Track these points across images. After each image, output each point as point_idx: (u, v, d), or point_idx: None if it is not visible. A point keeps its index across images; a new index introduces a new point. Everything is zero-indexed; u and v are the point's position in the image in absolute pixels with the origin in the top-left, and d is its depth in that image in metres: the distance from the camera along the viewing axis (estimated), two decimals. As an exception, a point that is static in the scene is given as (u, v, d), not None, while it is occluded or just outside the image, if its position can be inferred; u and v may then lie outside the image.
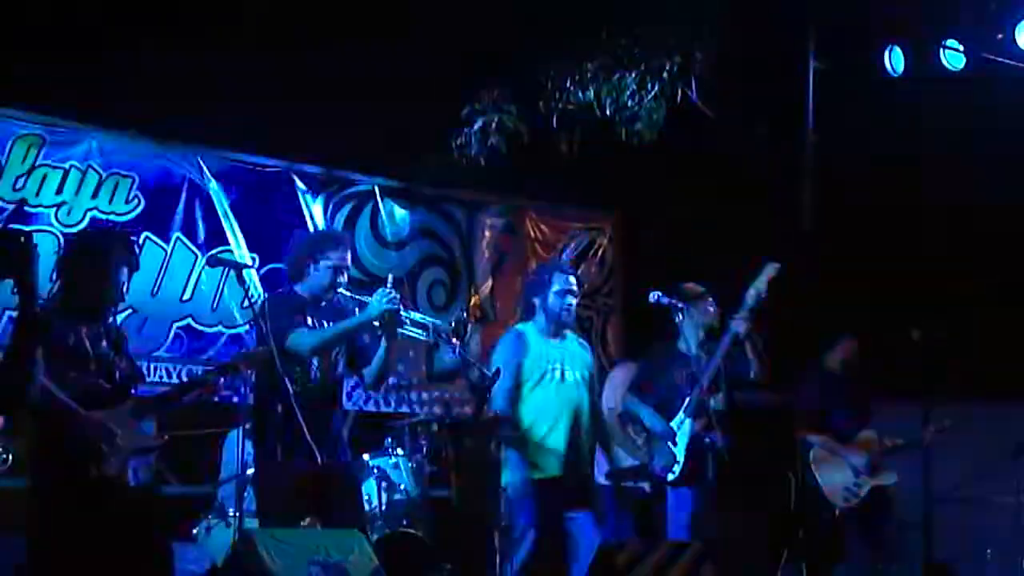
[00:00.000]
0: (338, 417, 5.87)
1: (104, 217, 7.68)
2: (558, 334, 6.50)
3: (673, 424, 6.61)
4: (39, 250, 3.48)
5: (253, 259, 8.20)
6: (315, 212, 8.63)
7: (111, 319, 5.39)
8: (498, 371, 6.09)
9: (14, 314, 3.67)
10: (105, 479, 5.01)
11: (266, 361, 5.50)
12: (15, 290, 3.44)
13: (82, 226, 7.52)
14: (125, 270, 5.25)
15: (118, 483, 5.08)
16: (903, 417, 7.96)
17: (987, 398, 8.69)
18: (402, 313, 5.69)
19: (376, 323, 5.67)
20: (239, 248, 8.26)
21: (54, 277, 5.15)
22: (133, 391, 5.31)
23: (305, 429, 5.29)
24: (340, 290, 5.80)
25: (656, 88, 8.12)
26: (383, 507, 7.17)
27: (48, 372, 4.70)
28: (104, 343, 5.21)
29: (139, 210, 7.87)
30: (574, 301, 6.51)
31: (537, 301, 6.49)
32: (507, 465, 6.20)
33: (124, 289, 5.30)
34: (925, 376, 7.57)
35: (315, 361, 5.71)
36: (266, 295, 6.74)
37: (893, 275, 8.97)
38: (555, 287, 6.44)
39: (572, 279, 6.54)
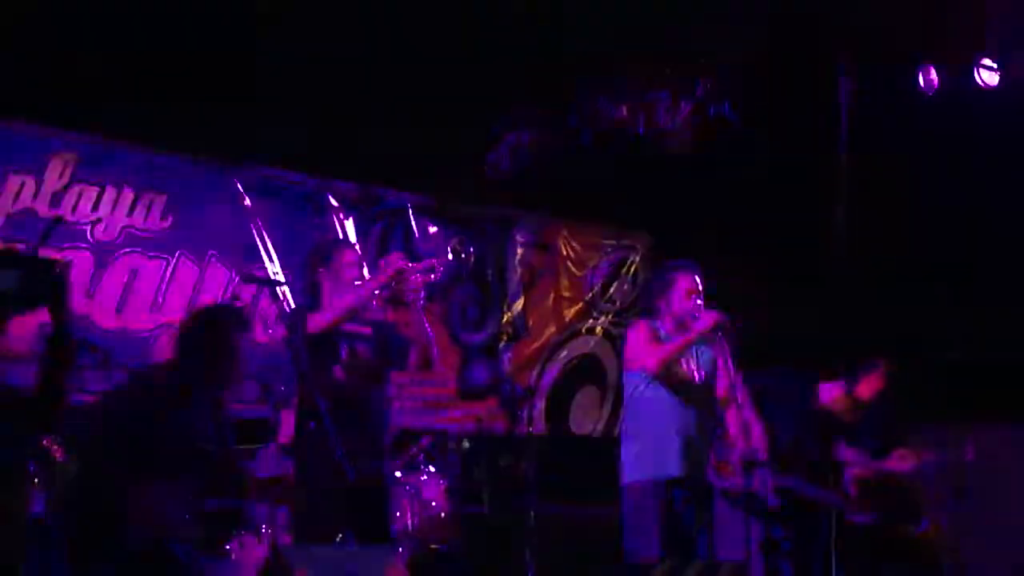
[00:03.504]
0: (375, 430, 5.81)
1: (139, 234, 7.74)
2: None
3: None
4: (69, 272, 3.51)
5: (286, 276, 8.23)
6: (348, 229, 8.66)
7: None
8: (529, 388, 6.03)
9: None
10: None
11: (300, 378, 5.56)
12: (50, 314, 3.46)
13: (118, 243, 7.62)
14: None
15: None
16: (941, 441, 7.91)
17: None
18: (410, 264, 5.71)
19: (388, 285, 5.70)
20: (272, 265, 8.29)
21: (181, 351, 5.27)
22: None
23: (338, 445, 5.28)
24: (358, 282, 5.80)
25: (689, 106, 8.13)
26: (415, 523, 7.17)
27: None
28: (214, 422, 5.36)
29: (173, 227, 7.93)
30: (701, 302, 6.11)
31: (662, 304, 6.16)
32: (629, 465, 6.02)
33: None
34: (963, 398, 7.51)
35: (348, 375, 5.71)
36: (294, 307, 6.78)
37: (930, 295, 8.92)
38: (681, 287, 6.13)
39: (699, 278, 6.16)
